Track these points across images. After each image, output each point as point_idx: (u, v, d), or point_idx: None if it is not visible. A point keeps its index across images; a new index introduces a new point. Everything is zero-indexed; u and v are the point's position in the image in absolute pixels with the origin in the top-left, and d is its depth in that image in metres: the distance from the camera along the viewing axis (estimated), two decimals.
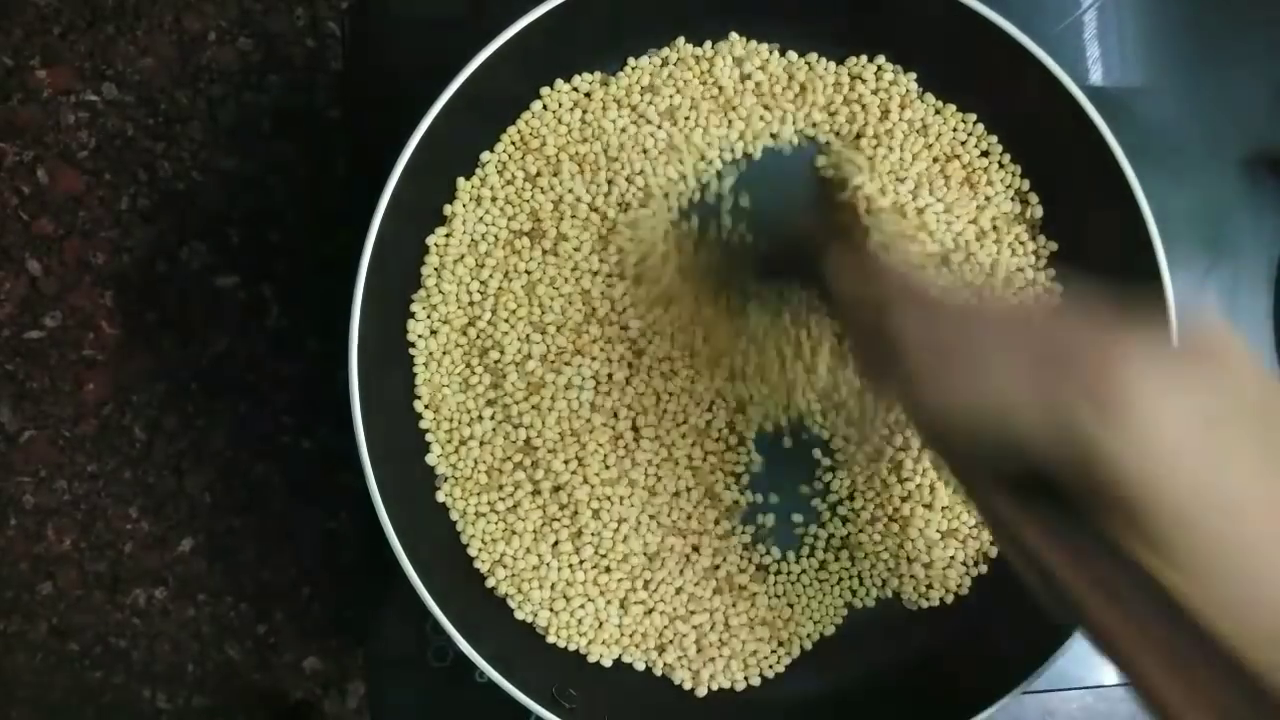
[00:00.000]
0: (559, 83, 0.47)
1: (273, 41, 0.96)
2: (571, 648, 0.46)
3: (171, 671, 0.96)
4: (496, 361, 0.46)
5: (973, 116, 0.47)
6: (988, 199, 0.48)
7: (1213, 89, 0.51)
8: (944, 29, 0.43)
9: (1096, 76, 0.52)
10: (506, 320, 0.46)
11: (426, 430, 0.46)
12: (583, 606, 0.46)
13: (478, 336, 0.46)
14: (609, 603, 0.46)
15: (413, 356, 0.46)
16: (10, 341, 0.96)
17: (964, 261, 0.47)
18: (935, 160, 0.47)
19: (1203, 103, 0.51)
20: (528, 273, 0.46)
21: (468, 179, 0.46)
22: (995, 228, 0.48)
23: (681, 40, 0.47)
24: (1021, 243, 0.47)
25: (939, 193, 0.47)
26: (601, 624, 0.46)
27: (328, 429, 0.96)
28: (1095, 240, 0.45)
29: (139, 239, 0.96)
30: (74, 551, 0.96)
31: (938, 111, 0.47)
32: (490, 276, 0.46)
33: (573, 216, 0.46)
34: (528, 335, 0.46)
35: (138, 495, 0.96)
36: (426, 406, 0.46)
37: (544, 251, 0.46)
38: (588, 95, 0.47)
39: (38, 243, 0.96)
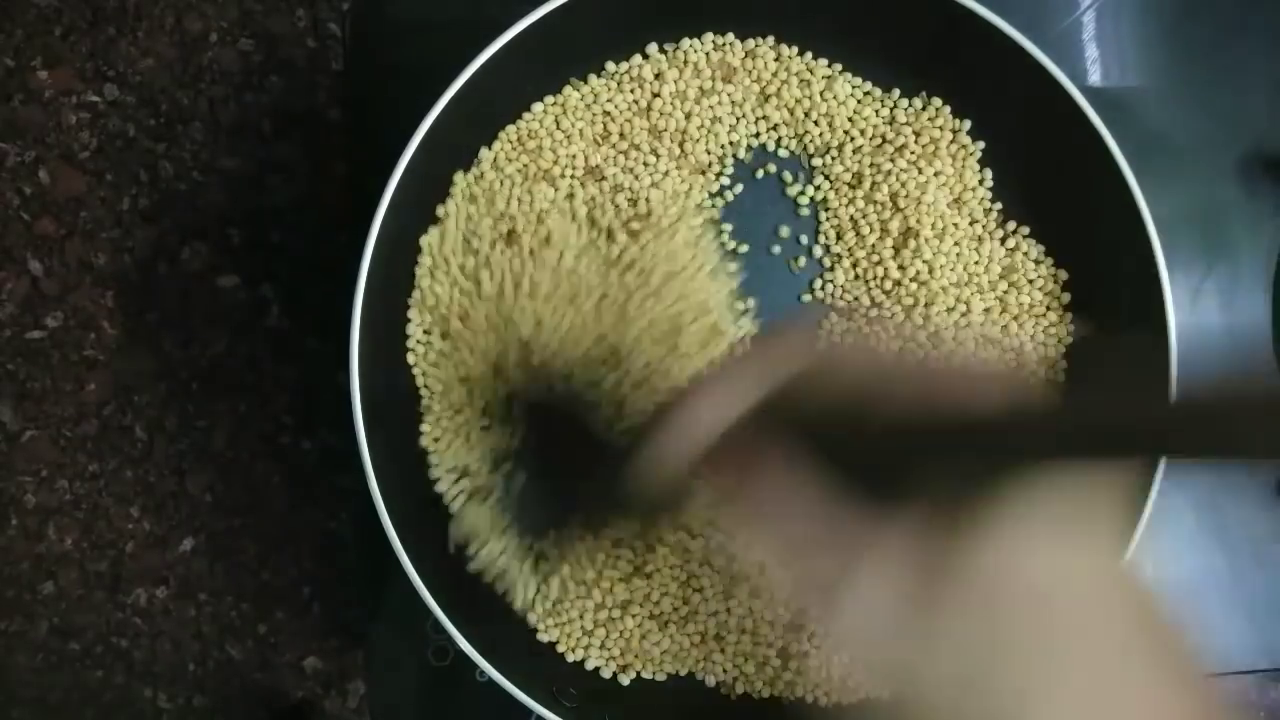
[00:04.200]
0: (558, 86, 0.47)
1: (274, 42, 0.96)
2: (575, 659, 0.46)
3: (172, 671, 0.96)
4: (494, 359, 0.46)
5: (968, 123, 0.47)
6: (973, 189, 0.48)
7: (1211, 90, 0.52)
8: (942, 30, 0.44)
9: (1095, 77, 0.52)
10: (502, 319, 0.46)
11: (427, 429, 0.47)
12: (583, 618, 0.46)
13: (472, 334, 0.46)
14: (613, 614, 0.46)
15: (409, 359, 0.47)
16: (12, 341, 0.96)
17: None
18: (922, 158, 0.47)
19: (1201, 104, 0.51)
20: (522, 272, 0.46)
21: (465, 173, 0.47)
22: (986, 223, 0.48)
23: (685, 41, 0.47)
24: (1026, 237, 0.48)
25: (930, 191, 0.47)
26: (607, 635, 0.46)
27: (328, 429, 0.96)
28: (1094, 242, 0.45)
29: (140, 239, 0.96)
30: (75, 551, 0.96)
31: (934, 119, 0.48)
32: (486, 277, 0.46)
33: (569, 217, 0.47)
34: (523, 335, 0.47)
35: (139, 495, 0.96)
36: (428, 407, 0.47)
37: (536, 250, 0.46)
38: (584, 97, 0.47)
39: (39, 243, 0.96)
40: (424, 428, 0.47)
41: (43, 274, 0.96)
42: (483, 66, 0.41)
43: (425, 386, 0.47)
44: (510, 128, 0.47)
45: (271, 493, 0.96)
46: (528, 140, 0.47)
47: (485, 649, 0.42)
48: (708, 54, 0.47)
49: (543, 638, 0.46)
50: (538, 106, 0.47)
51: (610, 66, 0.47)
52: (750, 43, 0.47)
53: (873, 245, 0.47)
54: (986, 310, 0.47)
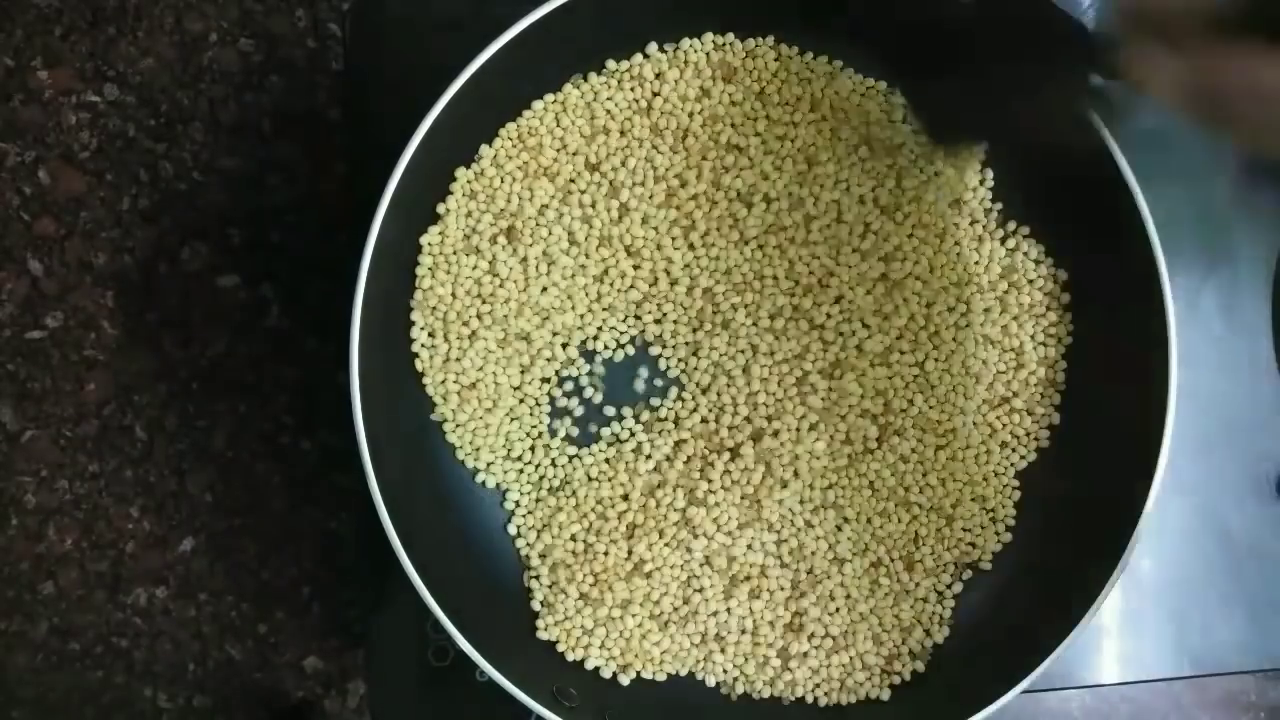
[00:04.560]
0: (559, 84, 0.47)
1: (274, 42, 0.96)
2: (576, 659, 0.46)
3: (172, 671, 0.96)
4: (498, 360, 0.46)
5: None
6: (973, 189, 0.48)
7: None
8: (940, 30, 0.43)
9: (1095, 78, 0.52)
10: (504, 317, 0.46)
11: (445, 427, 0.47)
12: (582, 616, 0.46)
13: (473, 334, 0.46)
14: (613, 614, 0.46)
15: (418, 365, 0.47)
16: (11, 341, 0.96)
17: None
18: (923, 157, 0.48)
19: None
20: (522, 271, 0.47)
21: (466, 168, 0.47)
22: (986, 223, 0.48)
23: (685, 41, 0.47)
24: (1026, 236, 0.48)
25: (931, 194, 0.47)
26: (607, 634, 0.46)
27: (328, 429, 0.96)
28: (1094, 243, 0.45)
29: (140, 239, 0.96)
30: (75, 551, 0.96)
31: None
32: (484, 276, 0.46)
33: (569, 216, 0.47)
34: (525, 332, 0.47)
35: (139, 495, 0.96)
36: (445, 416, 0.47)
37: (541, 250, 0.47)
38: (584, 95, 0.47)
39: (39, 243, 0.96)
40: (450, 439, 0.47)
41: (42, 274, 0.96)
42: (483, 66, 0.41)
43: (440, 397, 0.47)
44: (510, 125, 0.47)
45: (271, 493, 0.96)
46: (528, 138, 0.47)
47: (485, 649, 0.42)
48: (708, 54, 0.47)
49: (542, 636, 0.46)
50: (538, 104, 0.47)
51: (611, 65, 0.47)
52: (750, 42, 0.47)
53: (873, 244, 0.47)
54: (986, 310, 0.47)
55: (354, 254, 0.41)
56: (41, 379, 0.96)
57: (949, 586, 0.47)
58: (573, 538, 0.47)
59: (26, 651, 0.96)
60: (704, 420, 0.47)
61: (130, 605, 0.96)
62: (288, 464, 0.96)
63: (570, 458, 0.47)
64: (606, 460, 0.47)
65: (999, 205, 0.48)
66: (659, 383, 0.48)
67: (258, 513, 0.96)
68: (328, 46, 0.96)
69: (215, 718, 0.96)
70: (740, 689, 0.47)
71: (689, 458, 0.47)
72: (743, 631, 0.47)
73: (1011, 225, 0.48)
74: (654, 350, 0.48)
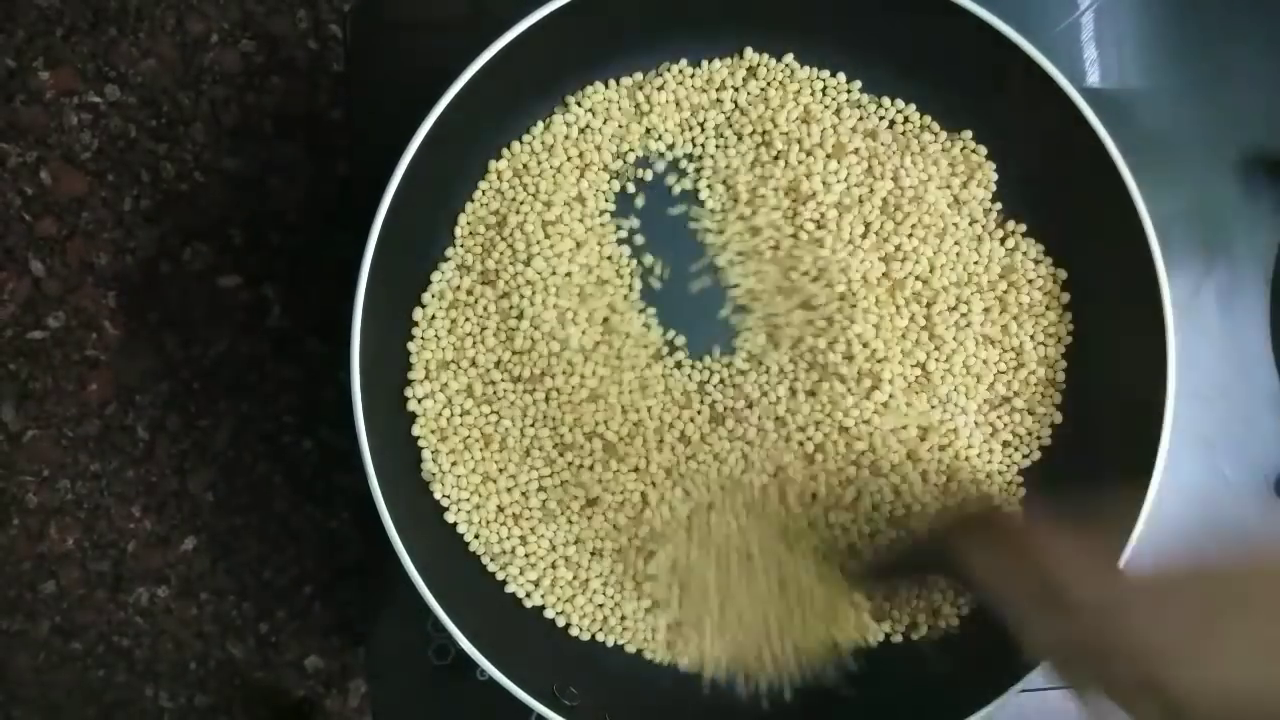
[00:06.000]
0: (559, 86, 0.47)
1: (275, 43, 0.96)
2: (575, 633, 0.47)
3: (174, 670, 0.96)
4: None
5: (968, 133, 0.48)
6: (973, 189, 0.48)
7: (1210, 91, 0.52)
8: (940, 31, 0.44)
9: (1094, 78, 0.52)
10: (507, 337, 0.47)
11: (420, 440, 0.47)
12: (583, 589, 0.47)
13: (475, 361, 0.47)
14: (609, 586, 0.47)
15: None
16: (13, 341, 0.96)
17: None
18: (922, 158, 0.48)
19: (1200, 105, 0.51)
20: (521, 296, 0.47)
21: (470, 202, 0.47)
22: (986, 223, 0.48)
23: (684, 62, 0.47)
24: (1025, 236, 0.48)
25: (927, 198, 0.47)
26: (600, 605, 0.47)
27: (329, 429, 0.96)
28: (1093, 242, 0.45)
29: (141, 240, 0.96)
30: (77, 550, 0.96)
31: (934, 120, 0.48)
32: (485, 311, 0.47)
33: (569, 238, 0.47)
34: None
35: (140, 495, 0.96)
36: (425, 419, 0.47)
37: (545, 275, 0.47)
38: (577, 121, 0.47)
39: (41, 243, 0.96)
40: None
41: (44, 274, 0.96)
42: (483, 67, 0.42)
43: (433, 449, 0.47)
44: (504, 158, 0.47)
45: (273, 492, 0.96)
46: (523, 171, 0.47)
47: (486, 648, 0.42)
48: (714, 69, 0.48)
49: (545, 613, 0.47)
50: (530, 132, 0.47)
51: (614, 68, 0.47)
52: (762, 58, 0.48)
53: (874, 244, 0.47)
54: (986, 310, 0.47)
55: (354, 254, 0.41)
56: (43, 379, 0.96)
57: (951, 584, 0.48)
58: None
59: (28, 651, 0.96)
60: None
61: (132, 604, 0.96)
62: (288, 464, 0.96)
63: None
64: None
65: (999, 205, 0.48)
66: None
67: (259, 512, 0.96)
68: (329, 48, 0.96)
69: (217, 716, 0.96)
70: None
71: None
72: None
73: (1011, 225, 0.48)
74: None
